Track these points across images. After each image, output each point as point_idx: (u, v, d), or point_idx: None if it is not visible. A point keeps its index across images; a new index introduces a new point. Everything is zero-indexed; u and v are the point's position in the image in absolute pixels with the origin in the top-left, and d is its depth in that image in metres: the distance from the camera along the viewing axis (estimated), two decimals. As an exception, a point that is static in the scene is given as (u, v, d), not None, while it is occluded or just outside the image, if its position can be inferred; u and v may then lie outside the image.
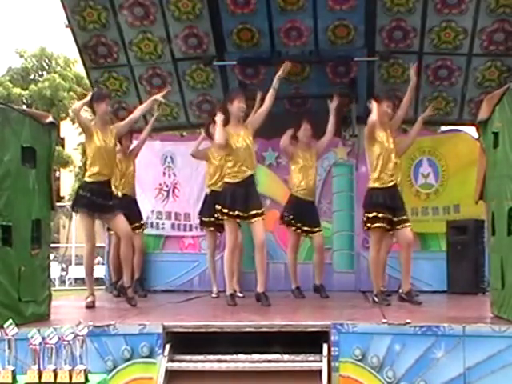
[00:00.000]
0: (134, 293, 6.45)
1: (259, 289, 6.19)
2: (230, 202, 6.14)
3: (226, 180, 6.26)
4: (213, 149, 7.51)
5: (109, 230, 7.71)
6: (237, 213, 6.12)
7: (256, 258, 6.20)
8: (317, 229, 7.23)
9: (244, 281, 8.07)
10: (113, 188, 6.52)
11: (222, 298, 7.30)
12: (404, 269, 6.19)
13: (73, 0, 8.37)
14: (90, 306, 6.10)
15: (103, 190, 6.09)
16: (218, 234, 7.62)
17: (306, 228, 7.23)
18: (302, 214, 7.20)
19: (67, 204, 25.60)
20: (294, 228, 7.30)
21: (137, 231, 7.63)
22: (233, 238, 6.22)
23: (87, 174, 6.17)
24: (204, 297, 7.48)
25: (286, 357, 4.36)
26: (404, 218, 6.14)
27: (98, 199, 6.04)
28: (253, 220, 6.10)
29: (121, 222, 6.17)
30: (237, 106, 6.19)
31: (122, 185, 7.51)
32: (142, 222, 7.88)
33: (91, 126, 6.19)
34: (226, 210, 6.14)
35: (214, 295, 7.48)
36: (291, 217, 7.22)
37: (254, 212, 6.09)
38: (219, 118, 6.13)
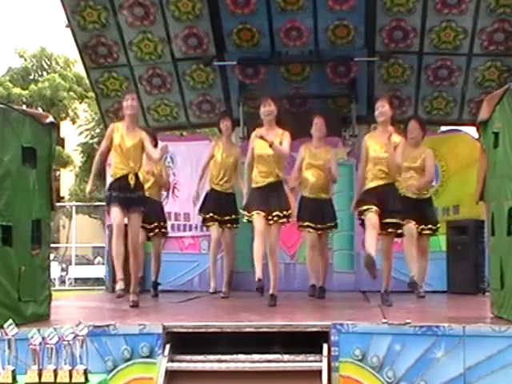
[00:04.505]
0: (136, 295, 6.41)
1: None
2: (249, 206, 6.23)
3: (252, 185, 6.33)
4: (220, 144, 7.49)
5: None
6: (253, 212, 6.12)
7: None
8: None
9: (242, 281, 8.08)
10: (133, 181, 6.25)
11: (222, 298, 7.31)
12: None
13: (73, 0, 8.39)
14: (121, 295, 6.02)
15: (123, 185, 6.08)
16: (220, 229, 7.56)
17: (307, 224, 7.08)
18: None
19: (67, 204, 25.65)
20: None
21: (157, 231, 7.57)
22: (258, 226, 6.13)
23: (111, 172, 6.24)
24: (204, 297, 7.48)
25: (286, 357, 4.35)
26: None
27: (121, 193, 6.06)
28: (271, 222, 6.11)
29: (132, 224, 6.14)
30: (262, 110, 6.26)
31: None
32: (164, 225, 7.70)
33: (110, 130, 6.28)
34: (245, 213, 6.25)
35: (211, 290, 7.46)
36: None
37: (275, 213, 6.09)
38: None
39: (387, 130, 6.11)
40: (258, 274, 6.10)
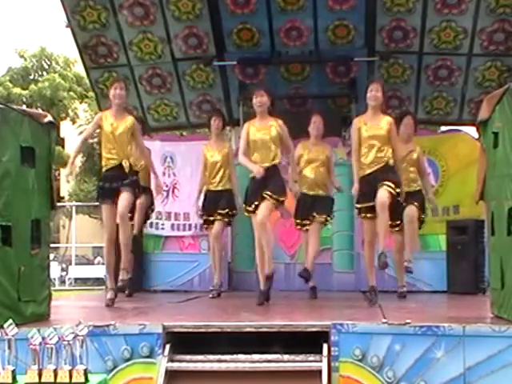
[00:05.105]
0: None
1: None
2: (248, 198, 6.20)
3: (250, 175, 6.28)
4: (209, 146, 7.49)
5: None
6: (253, 207, 6.11)
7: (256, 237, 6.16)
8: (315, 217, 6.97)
9: (243, 281, 8.08)
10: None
11: (222, 298, 7.31)
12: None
13: (73, 0, 8.39)
14: (109, 305, 6.02)
15: (116, 174, 6.03)
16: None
17: (305, 222, 7.04)
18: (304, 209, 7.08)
19: (67, 204, 25.65)
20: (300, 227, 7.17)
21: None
22: (257, 234, 6.15)
23: (102, 163, 6.16)
24: (204, 297, 7.47)
25: (286, 357, 4.35)
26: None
27: (113, 184, 6.02)
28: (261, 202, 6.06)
29: (120, 199, 6.00)
30: (254, 101, 6.27)
31: None
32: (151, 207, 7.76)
33: (98, 118, 6.24)
34: (244, 206, 6.24)
35: (211, 296, 7.33)
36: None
37: (267, 193, 6.04)
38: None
39: (378, 113, 6.12)
40: (262, 285, 6.14)
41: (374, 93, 6.05)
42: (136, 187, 6.18)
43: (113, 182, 6.02)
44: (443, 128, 10.76)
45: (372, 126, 6.07)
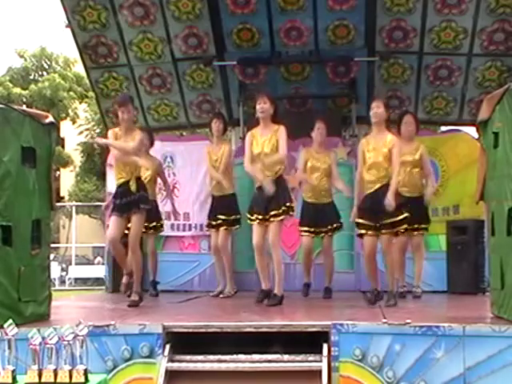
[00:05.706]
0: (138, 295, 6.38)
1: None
2: (252, 208, 6.25)
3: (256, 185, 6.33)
4: (210, 148, 7.50)
5: None
6: (255, 216, 6.17)
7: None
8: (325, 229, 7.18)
9: (243, 281, 8.07)
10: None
11: (222, 298, 7.31)
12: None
13: (73, 0, 8.39)
14: (126, 290, 6.28)
15: (124, 190, 6.17)
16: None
17: (313, 230, 7.15)
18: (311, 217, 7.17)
19: (67, 204, 25.64)
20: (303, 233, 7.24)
21: (150, 231, 7.57)
22: (255, 240, 6.19)
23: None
24: (204, 297, 7.48)
25: (286, 357, 4.35)
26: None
27: (122, 199, 6.17)
28: (270, 220, 6.11)
29: (133, 223, 6.19)
30: (257, 107, 6.26)
31: None
32: (156, 224, 7.75)
33: (111, 135, 6.33)
34: (248, 215, 6.28)
35: (212, 294, 7.45)
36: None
37: (272, 213, 6.08)
38: None
39: (382, 131, 6.10)
40: (263, 285, 6.20)
41: (375, 110, 6.06)
42: (144, 202, 6.27)
43: (122, 197, 6.19)
44: (443, 128, 10.76)
45: (375, 148, 6.06)
